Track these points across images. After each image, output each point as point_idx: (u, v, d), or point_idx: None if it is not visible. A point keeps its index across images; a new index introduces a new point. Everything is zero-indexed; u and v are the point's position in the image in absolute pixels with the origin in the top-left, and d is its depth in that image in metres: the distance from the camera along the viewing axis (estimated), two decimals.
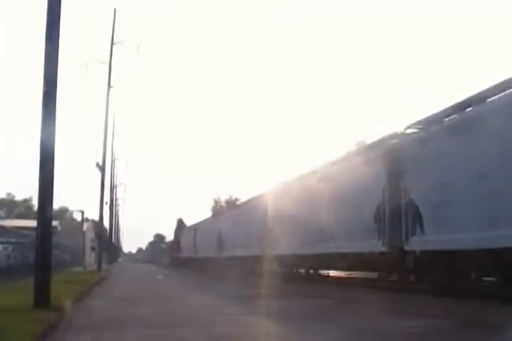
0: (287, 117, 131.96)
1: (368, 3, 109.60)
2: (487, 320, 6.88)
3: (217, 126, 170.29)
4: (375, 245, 13.22)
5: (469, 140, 10.01)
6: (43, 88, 9.01)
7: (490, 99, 9.99)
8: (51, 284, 8.80)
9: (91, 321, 8.09)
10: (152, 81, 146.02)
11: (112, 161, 44.38)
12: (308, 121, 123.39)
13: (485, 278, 11.00)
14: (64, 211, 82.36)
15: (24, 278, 15.53)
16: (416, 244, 11.57)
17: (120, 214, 79.55)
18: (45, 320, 7.04)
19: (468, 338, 6.09)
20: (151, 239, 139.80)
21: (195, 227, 43.51)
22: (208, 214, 61.45)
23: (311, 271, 20.39)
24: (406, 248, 11.95)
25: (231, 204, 70.28)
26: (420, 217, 11.48)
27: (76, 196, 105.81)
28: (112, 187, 49.47)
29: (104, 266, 33.73)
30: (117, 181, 55.46)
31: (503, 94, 9.62)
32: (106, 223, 48.31)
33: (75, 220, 42.14)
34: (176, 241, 56.90)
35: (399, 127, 13.56)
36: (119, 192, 62.45)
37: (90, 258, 48.84)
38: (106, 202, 37.88)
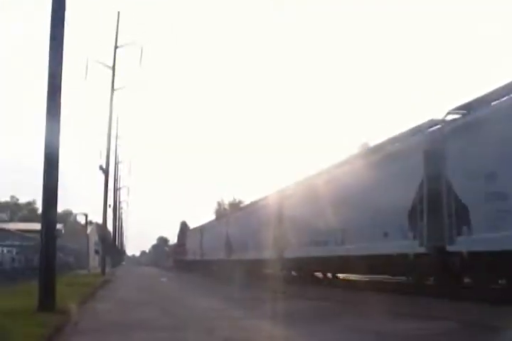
0: (289, 120, 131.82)
1: (368, 3, 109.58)
2: None
3: (220, 128, 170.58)
4: (410, 246, 11.86)
5: None
6: (47, 91, 9.01)
7: None
8: (56, 287, 8.80)
9: (96, 324, 8.09)
10: (156, 83, 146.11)
11: (116, 164, 44.50)
12: (311, 124, 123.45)
13: None
14: (68, 214, 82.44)
15: (29, 281, 15.54)
16: (462, 244, 10.27)
17: (124, 217, 79.62)
18: (51, 322, 7.04)
19: None
20: (155, 241, 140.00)
21: (202, 229, 42.58)
22: (211, 216, 61.47)
23: (329, 274, 19.31)
24: (449, 248, 10.64)
25: (234, 206, 70.24)
26: (466, 213, 10.18)
27: (80, 199, 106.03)
28: (116, 190, 49.53)
29: (108, 269, 33.69)
30: (121, 184, 55.59)
31: None
32: (109, 226, 48.29)
33: (78, 223, 42.18)
34: (181, 244, 56.70)
35: (437, 114, 12.03)
36: (123, 194, 62.58)
37: (94, 261, 48.91)
38: (109, 205, 37.82)
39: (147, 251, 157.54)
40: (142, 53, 32.53)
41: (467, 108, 10.94)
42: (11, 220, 69.58)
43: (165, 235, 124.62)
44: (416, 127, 12.65)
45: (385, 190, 13.22)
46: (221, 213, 65.95)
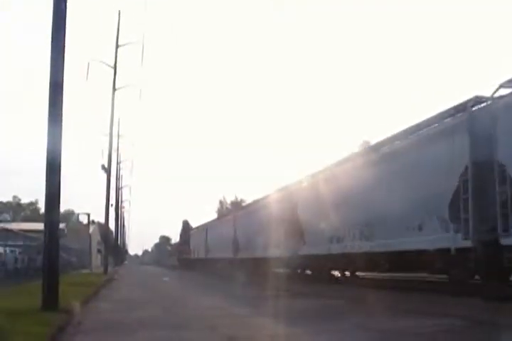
0: (290, 119, 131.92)
1: (369, 2, 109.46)
2: None
3: (221, 127, 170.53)
4: (451, 240, 10.59)
5: None
6: (49, 91, 9.03)
7: None
8: (59, 286, 8.83)
9: (99, 323, 8.12)
10: (158, 82, 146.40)
11: (118, 163, 44.49)
12: (311, 123, 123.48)
13: None
14: (70, 214, 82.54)
15: (32, 280, 15.60)
16: None
17: (126, 216, 79.74)
18: (54, 322, 7.07)
19: None
20: (157, 240, 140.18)
21: (207, 227, 41.72)
22: (213, 215, 61.54)
23: (347, 273, 18.28)
24: (504, 242, 9.38)
25: (237, 205, 70.28)
26: None
27: (82, 199, 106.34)
28: (118, 189, 49.58)
29: (110, 268, 33.78)
30: (123, 183, 55.63)
31: None
32: (112, 225, 48.39)
33: (81, 223, 42.22)
34: (184, 243, 56.65)
35: (483, 90, 10.81)
36: (125, 194, 62.68)
37: (96, 260, 49.02)
38: (111, 205, 37.95)
39: (149, 250, 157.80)
40: (143, 52, 32.62)
41: None
42: (14, 220, 69.69)
43: (167, 234, 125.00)
44: (458, 105, 11.26)
45: (419, 178, 11.95)
46: (223, 212, 66.03)
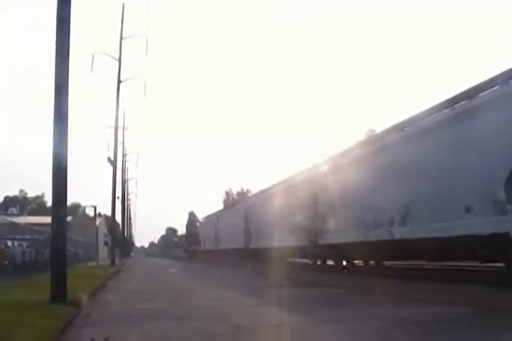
0: (296, 109, 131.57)
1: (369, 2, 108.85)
2: None
3: (226, 119, 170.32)
4: (508, 223, 9.33)
5: None
6: (55, 85, 9.02)
7: None
8: (67, 279, 8.88)
9: (107, 315, 8.15)
10: (162, 74, 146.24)
11: (123, 155, 44.54)
12: (316, 114, 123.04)
13: None
14: (76, 207, 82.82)
15: (39, 273, 15.70)
16: None
17: (132, 208, 79.92)
18: (63, 314, 7.12)
19: None
20: (163, 232, 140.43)
21: (217, 217, 40.63)
22: (219, 206, 61.55)
23: (371, 262, 17.33)
24: None
25: (242, 195, 70.32)
26: None
27: (88, 191, 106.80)
28: (124, 182, 49.68)
29: (117, 260, 33.91)
30: (129, 175, 55.73)
31: None
32: (118, 218, 48.50)
33: (87, 216, 42.38)
34: (192, 233, 56.54)
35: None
36: (131, 186, 62.81)
37: (103, 252, 49.15)
38: (118, 197, 38.07)
39: (156, 242, 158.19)
40: (148, 44, 32.60)
41: None
42: (21, 214, 69.95)
43: (173, 226, 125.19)
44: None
45: (466, 154, 10.58)
46: (229, 203, 66.03)
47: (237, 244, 30.28)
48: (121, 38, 31.04)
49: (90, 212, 47.06)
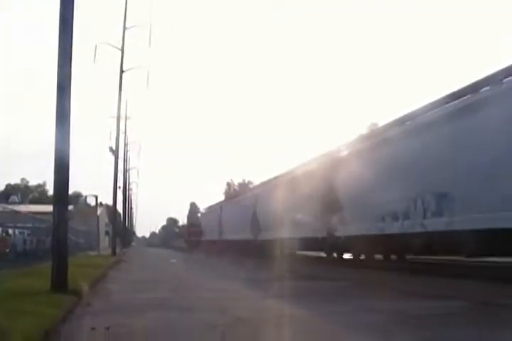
0: (299, 102, 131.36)
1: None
2: None
3: (229, 110, 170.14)
4: None
5: None
6: (57, 83, 8.96)
7: None
8: (68, 268, 8.87)
9: (108, 304, 8.16)
10: (165, 64, 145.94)
11: (125, 145, 44.53)
12: (317, 105, 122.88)
13: None
14: (78, 196, 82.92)
15: (41, 262, 15.71)
16: None
17: (133, 198, 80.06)
18: (64, 303, 7.12)
19: None
20: (164, 222, 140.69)
21: (221, 207, 39.44)
22: (220, 197, 61.60)
23: (393, 256, 16.38)
24: None
25: (244, 187, 70.37)
26: None
27: (90, 181, 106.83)
28: (125, 172, 49.69)
29: (118, 250, 33.97)
30: (130, 165, 55.76)
31: None
32: (119, 207, 48.52)
33: (88, 205, 42.38)
34: (194, 224, 56.49)
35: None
36: (132, 176, 62.88)
37: (104, 242, 49.20)
38: (119, 187, 38.05)
39: (157, 232, 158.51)
40: (151, 34, 32.48)
41: None
42: (22, 202, 70.06)
43: (174, 216, 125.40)
44: None
45: None
46: (231, 194, 66.05)
47: (244, 235, 29.08)
48: (124, 28, 30.93)
49: (92, 202, 47.06)
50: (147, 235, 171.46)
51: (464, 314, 6.43)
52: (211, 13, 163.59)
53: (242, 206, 30.60)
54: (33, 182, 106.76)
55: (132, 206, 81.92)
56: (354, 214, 15.81)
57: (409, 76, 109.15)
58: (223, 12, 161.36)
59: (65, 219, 9.06)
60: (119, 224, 50.91)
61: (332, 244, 18.06)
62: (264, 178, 29.63)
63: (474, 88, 11.13)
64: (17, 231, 17.19)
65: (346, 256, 19.21)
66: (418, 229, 12.36)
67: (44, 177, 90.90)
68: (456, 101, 11.55)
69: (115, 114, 31.06)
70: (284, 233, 21.47)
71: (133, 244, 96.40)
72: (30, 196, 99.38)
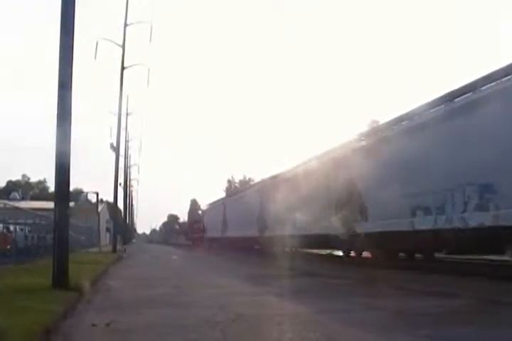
0: (300, 98, 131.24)
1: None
2: None
3: (229, 107, 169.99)
4: None
5: None
6: (58, 82, 8.96)
7: None
8: (68, 265, 8.89)
9: (109, 301, 8.18)
10: (166, 61, 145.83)
11: (126, 142, 44.56)
12: (318, 103, 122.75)
13: None
14: (78, 192, 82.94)
15: (42, 258, 15.76)
16: None
17: (134, 195, 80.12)
18: (65, 299, 7.14)
19: None
20: (165, 219, 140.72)
21: (225, 202, 38.03)
22: (221, 194, 61.59)
23: (418, 255, 15.23)
24: None
25: (245, 184, 70.35)
26: None
27: (90, 177, 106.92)
28: (126, 168, 49.72)
29: (118, 246, 34.01)
30: (131, 162, 55.81)
31: None
32: (120, 204, 48.56)
33: (89, 202, 42.43)
34: (196, 220, 56.34)
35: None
36: (133, 173, 62.94)
37: (105, 239, 49.25)
38: (120, 183, 38.05)
39: (157, 228, 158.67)
40: (152, 31, 32.48)
41: None
42: (23, 199, 70.08)
43: (175, 213, 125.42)
44: None
45: None
46: (231, 191, 66.06)
47: (249, 232, 27.86)
48: (125, 25, 30.91)
49: (92, 198, 47.15)
50: (148, 232, 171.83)
51: None
52: (212, 10, 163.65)
53: (248, 202, 29.26)
54: (34, 178, 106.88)
55: (133, 203, 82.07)
56: (377, 208, 14.42)
57: (410, 73, 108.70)
58: (224, 9, 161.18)
59: (66, 216, 9.07)
60: (120, 221, 50.95)
61: (350, 242, 16.63)
62: (266, 175, 29.27)
63: None
64: (18, 228, 17.22)
65: (364, 254, 18.02)
66: (457, 225, 11.02)
67: (45, 173, 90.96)
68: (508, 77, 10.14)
69: (116, 110, 31.07)
70: (294, 230, 20.24)
71: (133, 240, 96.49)
72: (31, 192, 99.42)
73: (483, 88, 10.68)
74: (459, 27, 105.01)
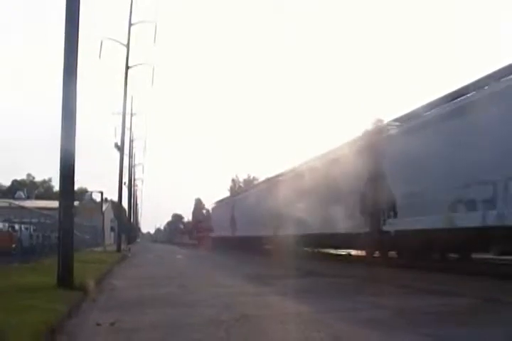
0: (303, 96, 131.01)
1: None
2: None
3: (234, 106, 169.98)
4: None
5: None
6: (63, 71, 8.96)
7: None
8: (73, 264, 8.90)
9: (113, 300, 8.19)
10: (170, 60, 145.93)
11: (131, 141, 44.60)
12: (323, 102, 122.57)
13: None
14: (83, 192, 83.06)
15: (47, 257, 15.78)
16: None
17: (138, 194, 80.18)
18: (70, 299, 7.14)
19: None
20: (169, 219, 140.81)
21: (234, 201, 37.15)
22: (225, 193, 61.60)
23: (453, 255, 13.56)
24: None
25: (249, 183, 70.35)
26: None
27: (95, 177, 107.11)
28: (131, 168, 49.79)
29: (123, 246, 34.04)
30: (135, 161, 55.84)
31: None
32: (125, 203, 48.64)
33: (94, 201, 42.50)
34: (201, 220, 56.15)
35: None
36: (137, 172, 62.99)
37: (110, 238, 49.33)
38: (124, 183, 38.13)
39: (162, 228, 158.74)
40: (157, 30, 32.49)
41: None
42: (28, 198, 70.27)
43: (179, 212, 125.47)
44: None
45: None
46: (236, 190, 66.05)
47: (261, 231, 26.49)
48: (130, 24, 30.92)
49: (97, 198, 47.22)
50: (152, 231, 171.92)
51: None
52: (216, 10, 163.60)
53: (259, 200, 27.68)
54: (38, 177, 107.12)
55: (137, 202, 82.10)
56: (410, 204, 13.04)
57: (412, 72, 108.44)
58: (228, 8, 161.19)
59: (70, 215, 9.08)
60: (125, 220, 51.03)
61: (377, 241, 15.02)
62: (270, 174, 29.06)
63: None
64: (23, 227, 17.25)
65: (392, 254, 16.40)
66: (500, 222, 9.73)
67: (50, 173, 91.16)
68: None
69: (120, 110, 31.08)
70: (312, 229, 18.89)
71: (138, 240, 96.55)
72: (36, 192, 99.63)
73: None
74: (459, 27, 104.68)
